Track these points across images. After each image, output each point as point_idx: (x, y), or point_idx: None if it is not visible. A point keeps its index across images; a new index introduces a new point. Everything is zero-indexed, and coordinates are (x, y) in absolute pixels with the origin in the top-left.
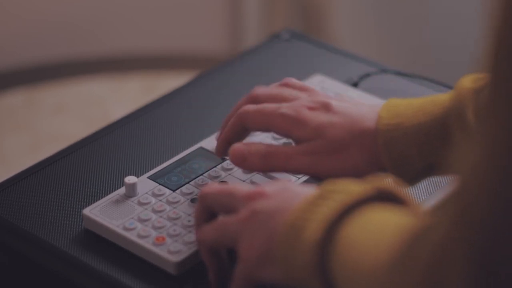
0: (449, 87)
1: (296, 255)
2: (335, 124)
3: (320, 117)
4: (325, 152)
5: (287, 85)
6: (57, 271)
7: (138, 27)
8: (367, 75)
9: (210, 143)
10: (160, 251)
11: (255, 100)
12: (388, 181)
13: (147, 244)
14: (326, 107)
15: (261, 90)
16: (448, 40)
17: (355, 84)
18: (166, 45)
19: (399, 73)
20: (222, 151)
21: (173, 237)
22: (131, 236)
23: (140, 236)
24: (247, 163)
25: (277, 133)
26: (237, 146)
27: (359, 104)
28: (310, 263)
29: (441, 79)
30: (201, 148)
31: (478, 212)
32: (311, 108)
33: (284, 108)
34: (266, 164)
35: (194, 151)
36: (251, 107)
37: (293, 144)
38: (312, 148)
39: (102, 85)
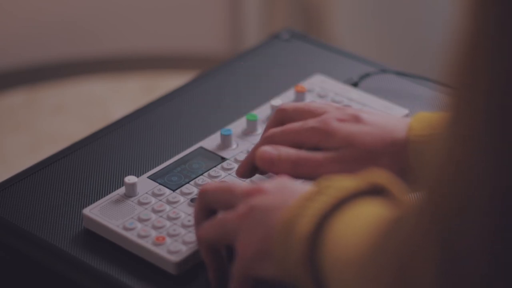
0: (449, 87)
1: (289, 250)
2: (367, 133)
3: (351, 127)
4: (356, 160)
5: (313, 102)
6: (57, 271)
7: (138, 27)
8: (367, 75)
9: (210, 143)
10: (160, 251)
11: (283, 114)
12: (383, 176)
13: (147, 244)
14: (356, 119)
15: (289, 104)
16: (448, 41)
17: (355, 84)
18: (166, 45)
19: (399, 73)
20: (243, 173)
21: (173, 237)
22: (131, 236)
23: (140, 236)
24: (275, 168)
25: (307, 147)
26: (265, 150)
27: (388, 116)
28: (300, 257)
29: (441, 79)
30: (201, 148)
31: (446, 203)
32: (340, 120)
33: (311, 122)
34: (295, 171)
35: (194, 151)
36: (276, 129)
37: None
38: (343, 155)
39: (102, 85)
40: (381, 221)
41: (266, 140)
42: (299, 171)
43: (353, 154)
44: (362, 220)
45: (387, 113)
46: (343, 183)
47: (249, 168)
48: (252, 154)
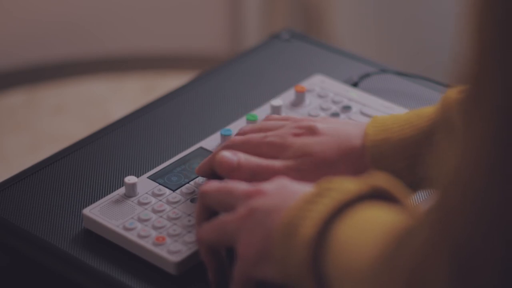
0: (449, 87)
1: (291, 252)
2: (323, 143)
3: (307, 140)
4: (313, 169)
5: (269, 119)
6: (57, 271)
7: (138, 27)
8: (367, 75)
9: (210, 143)
10: (160, 251)
11: (243, 135)
12: (384, 179)
13: (147, 244)
14: (311, 131)
15: (247, 126)
16: (447, 40)
17: (355, 84)
18: (166, 45)
19: (399, 73)
20: (203, 172)
21: (173, 237)
22: (131, 236)
23: (140, 236)
24: (234, 175)
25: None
26: (225, 155)
27: (345, 123)
28: (304, 261)
29: (441, 79)
30: (201, 148)
31: (458, 218)
32: (296, 134)
33: (270, 136)
34: (254, 179)
35: (194, 151)
36: (237, 138)
37: None
38: (300, 164)
39: (102, 85)
40: (390, 229)
41: (227, 147)
42: (257, 179)
43: (310, 163)
44: (370, 225)
45: (345, 120)
46: (344, 185)
47: (208, 169)
48: (213, 157)
